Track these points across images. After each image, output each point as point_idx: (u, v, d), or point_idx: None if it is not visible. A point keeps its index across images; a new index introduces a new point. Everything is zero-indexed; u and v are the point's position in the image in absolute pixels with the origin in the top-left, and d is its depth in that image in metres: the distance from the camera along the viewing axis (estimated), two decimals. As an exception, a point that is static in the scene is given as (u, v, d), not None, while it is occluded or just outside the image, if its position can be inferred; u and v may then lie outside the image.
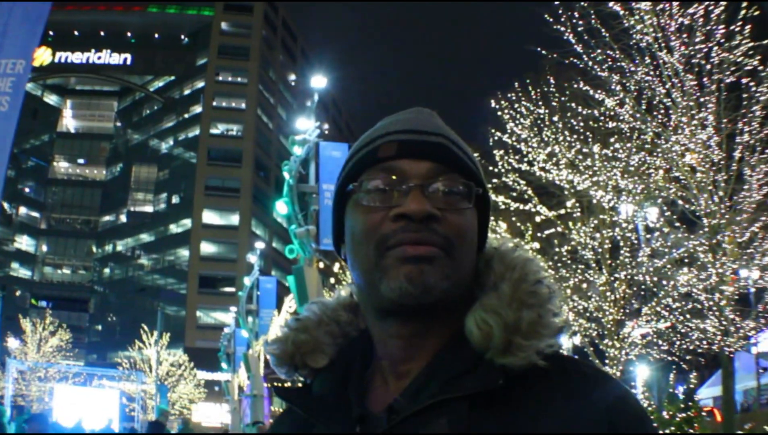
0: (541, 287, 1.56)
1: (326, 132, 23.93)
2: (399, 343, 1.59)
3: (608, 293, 26.74)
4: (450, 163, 1.60)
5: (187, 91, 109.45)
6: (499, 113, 28.15)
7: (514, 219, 29.36)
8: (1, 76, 8.00)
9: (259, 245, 50.99)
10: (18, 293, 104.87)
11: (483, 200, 1.66)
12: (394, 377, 1.60)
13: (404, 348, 1.59)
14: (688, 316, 23.84)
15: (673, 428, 22.38)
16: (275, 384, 1.89)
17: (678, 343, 26.07)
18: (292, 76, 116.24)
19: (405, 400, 1.53)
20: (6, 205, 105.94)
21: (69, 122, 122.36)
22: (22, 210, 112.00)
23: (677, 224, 23.81)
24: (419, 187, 1.55)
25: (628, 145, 24.29)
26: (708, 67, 21.87)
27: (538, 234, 29.56)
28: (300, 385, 1.74)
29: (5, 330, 64.22)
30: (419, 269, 1.51)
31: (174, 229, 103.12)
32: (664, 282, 24.47)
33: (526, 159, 27.80)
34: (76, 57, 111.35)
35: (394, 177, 1.57)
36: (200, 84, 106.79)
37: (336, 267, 44.09)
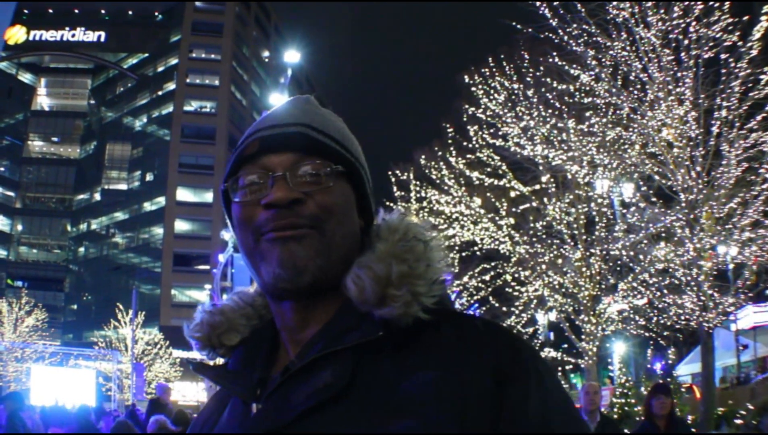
0: (417, 243, 1.64)
1: None
2: (292, 316, 1.69)
3: (584, 269, 26.94)
4: (309, 149, 1.69)
5: (160, 68, 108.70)
6: (473, 88, 28.26)
7: (488, 194, 29.38)
8: None
9: (233, 223, 50.81)
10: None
11: (355, 174, 1.75)
12: (293, 345, 1.70)
13: (298, 320, 1.69)
14: (665, 291, 23.95)
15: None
16: (195, 361, 1.89)
17: (655, 318, 26.15)
18: (266, 53, 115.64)
19: (298, 360, 1.63)
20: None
21: (43, 100, 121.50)
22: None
23: (653, 199, 23.77)
24: (281, 177, 1.65)
25: (604, 120, 24.27)
26: (686, 42, 21.90)
27: (513, 209, 29.42)
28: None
29: (-20, 310, 63.77)
30: (288, 250, 1.61)
31: (148, 206, 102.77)
32: (641, 257, 24.53)
33: (500, 134, 28.06)
34: (51, 35, 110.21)
35: (260, 171, 1.68)
36: (174, 61, 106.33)
37: None
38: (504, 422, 1.47)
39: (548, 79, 26.05)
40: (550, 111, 26.43)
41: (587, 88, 24.57)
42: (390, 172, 34.97)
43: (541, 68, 26.43)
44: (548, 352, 33.40)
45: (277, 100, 22.23)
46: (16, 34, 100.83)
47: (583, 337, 27.35)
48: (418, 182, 33.21)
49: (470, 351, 1.53)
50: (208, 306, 1.90)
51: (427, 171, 31.72)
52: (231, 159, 1.77)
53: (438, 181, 31.22)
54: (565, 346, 35.08)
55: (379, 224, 1.75)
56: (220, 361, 1.87)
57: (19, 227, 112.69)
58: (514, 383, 1.50)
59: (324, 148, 1.70)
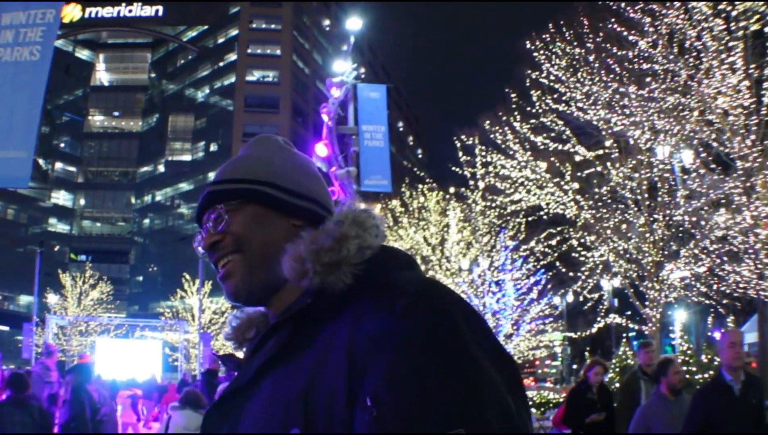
0: (332, 225, 1.97)
1: (363, 76, 24.05)
2: (268, 310, 2.14)
3: (647, 235, 26.98)
4: (215, 201, 2.15)
5: (221, 40, 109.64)
6: (535, 54, 28.42)
7: (553, 159, 29.47)
8: (31, 25, 8.07)
9: (299, 191, 49.88)
10: (57, 248, 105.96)
11: (257, 195, 2.14)
12: None
13: (272, 311, 2.11)
14: (724, 259, 24.00)
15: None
16: (220, 353, 2.50)
17: (716, 286, 26.24)
18: (327, 22, 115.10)
19: (261, 334, 2.03)
20: (41, 162, 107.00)
21: (102, 76, 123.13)
22: (58, 165, 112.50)
23: (713, 166, 23.89)
24: (205, 230, 2.16)
25: (663, 86, 24.33)
26: (734, 13, 22.01)
27: (578, 174, 29.63)
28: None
29: (44, 286, 64.52)
30: (225, 286, 2.10)
31: (213, 177, 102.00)
32: (702, 223, 24.70)
33: (563, 99, 28.12)
34: (107, 11, 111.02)
35: (200, 229, 2.20)
36: (234, 32, 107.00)
37: (377, 209, 43.16)
38: (371, 376, 1.64)
39: (608, 45, 26.23)
40: (611, 76, 26.45)
41: (645, 55, 24.92)
42: (455, 138, 35.16)
43: (601, 34, 26.73)
44: (613, 319, 33.65)
45: (341, 67, 22.05)
46: (71, 12, 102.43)
47: (646, 303, 27.46)
48: (483, 147, 33.20)
49: (373, 308, 1.75)
50: (237, 312, 2.33)
51: (492, 136, 31.72)
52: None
53: (503, 146, 31.23)
54: (629, 312, 35.12)
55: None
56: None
57: (82, 202, 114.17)
58: (391, 336, 1.67)
59: (221, 195, 2.16)
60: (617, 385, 22.21)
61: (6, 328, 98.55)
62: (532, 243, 36.92)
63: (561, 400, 27.51)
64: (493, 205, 34.81)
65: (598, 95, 26.96)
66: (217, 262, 2.13)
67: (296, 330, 1.88)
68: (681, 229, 26.73)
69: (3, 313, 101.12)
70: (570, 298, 42.25)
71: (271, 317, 2.13)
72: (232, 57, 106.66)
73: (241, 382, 1.97)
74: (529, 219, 35.27)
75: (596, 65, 26.92)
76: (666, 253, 27.00)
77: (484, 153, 32.95)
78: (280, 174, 2.18)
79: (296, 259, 1.92)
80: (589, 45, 27.23)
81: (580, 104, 27.59)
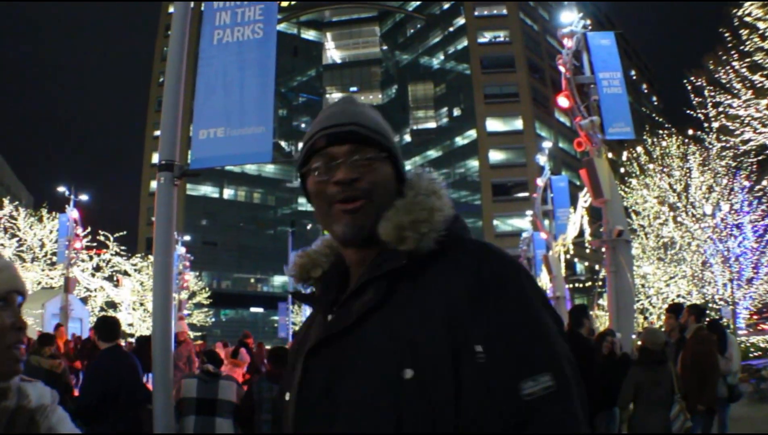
0: (422, 197, 2.33)
1: (589, 27, 26.43)
2: (353, 256, 2.45)
3: None
4: (361, 141, 2.38)
5: (446, 6, 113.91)
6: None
7: None
8: (247, 5, 8.86)
9: (546, 145, 50.88)
10: (309, 227, 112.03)
11: (392, 156, 2.43)
12: (356, 275, 2.42)
13: (357, 258, 2.43)
14: None
15: None
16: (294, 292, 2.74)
17: None
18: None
19: (355, 286, 2.35)
20: (283, 144, 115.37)
21: (333, 54, 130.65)
22: (301, 146, 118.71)
23: None
24: (344, 163, 2.35)
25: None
26: None
27: None
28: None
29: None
30: (351, 219, 2.34)
31: (459, 141, 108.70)
32: None
33: (766, 35, 30.61)
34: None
35: (326, 159, 2.39)
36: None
37: (624, 156, 45.89)
38: (475, 328, 2.04)
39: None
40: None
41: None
42: (685, 82, 37.29)
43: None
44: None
45: (568, 18, 22.95)
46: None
47: None
48: (711, 88, 34.76)
49: (458, 271, 2.15)
50: (299, 251, 2.64)
51: (716, 76, 33.78)
52: (304, 149, 2.48)
53: (728, 86, 33.21)
54: None
55: (406, 182, 2.45)
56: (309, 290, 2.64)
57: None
58: (486, 296, 2.07)
59: (371, 140, 2.37)
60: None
61: (260, 310, 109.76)
62: (765, 182, 39.06)
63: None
64: (728, 145, 37.22)
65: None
66: (344, 196, 2.34)
67: (391, 285, 2.21)
68: None
69: (257, 296, 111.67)
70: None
71: (350, 264, 2.47)
72: (460, 21, 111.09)
73: (341, 326, 2.25)
74: (760, 158, 36.74)
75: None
76: None
77: (713, 93, 35.09)
78: (395, 144, 2.49)
79: (399, 227, 2.26)
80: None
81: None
